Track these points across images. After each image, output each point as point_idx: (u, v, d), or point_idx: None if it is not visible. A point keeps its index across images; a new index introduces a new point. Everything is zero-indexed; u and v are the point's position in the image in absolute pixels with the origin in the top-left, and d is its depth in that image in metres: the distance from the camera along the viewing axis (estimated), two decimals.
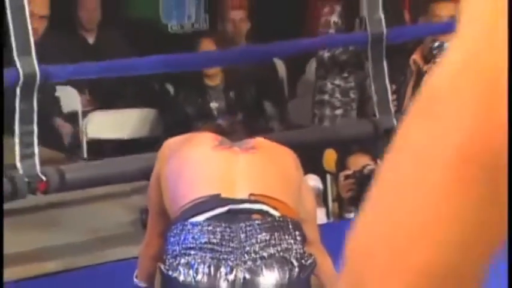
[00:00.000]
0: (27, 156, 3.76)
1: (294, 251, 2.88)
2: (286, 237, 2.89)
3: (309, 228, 3.07)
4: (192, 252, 2.84)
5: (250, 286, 2.83)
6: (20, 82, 3.75)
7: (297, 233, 2.92)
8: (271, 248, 2.86)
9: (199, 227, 2.87)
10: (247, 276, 2.82)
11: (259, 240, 2.86)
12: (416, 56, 4.66)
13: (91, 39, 6.40)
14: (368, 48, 4.52)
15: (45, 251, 4.06)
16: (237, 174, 3.01)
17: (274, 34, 5.42)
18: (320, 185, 4.76)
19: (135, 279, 3.17)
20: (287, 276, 2.84)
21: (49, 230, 4.21)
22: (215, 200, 2.92)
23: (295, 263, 2.86)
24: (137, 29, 6.71)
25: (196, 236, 2.85)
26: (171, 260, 2.85)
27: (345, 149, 4.57)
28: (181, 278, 2.81)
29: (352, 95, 5.18)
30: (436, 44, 4.62)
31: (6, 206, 3.94)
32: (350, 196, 4.53)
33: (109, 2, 6.52)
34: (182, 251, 2.84)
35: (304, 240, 2.93)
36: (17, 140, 3.76)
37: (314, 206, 3.24)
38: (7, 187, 3.73)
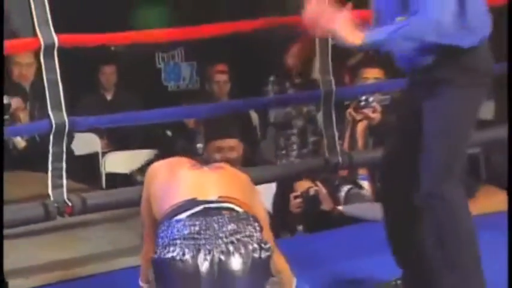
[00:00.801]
0: (57, 186, 3.72)
1: (255, 237, 2.92)
2: (249, 227, 2.93)
3: (263, 232, 3.12)
4: (178, 241, 2.86)
5: (224, 264, 2.85)
6: (53, 130, 3.71)
7: (256, 224, 2.96)
8: (238, 234, 2.89)
9: (182, 222, 2.90)
10: (222, 257, 2.85)
11: (228, 229, 2.90)
12: (350, 109, 4.67)
13: (109, 96, 6.41)
14: (321, 103, 4.43)
15: (72, 259, 4.03)
16: (208, 184, 3.06)
17: (248, 92, 5.43)
18: None
19: (139, 282, 3.17)
20: (251, 256, 2.87)
21: (74, 243, 4.19)
22: (192, 202, 2.96)
23: (257, 246, 2.89)
24: (144, 88, 6.72)
25: (180, 229, 2.89)
26: (161, 249, 2.88)
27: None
28: (171, 260, 2.84)
29: (295, 139, 5.23)
30: (363, 99, 4.64)
31: (42, 225, 3.92)
32: (299, 212, 4.53)
33: (123, 69, 6.53)
34: (170, 242, 2.87)
35: (261, 230, 2.97)
36: (49, 174, 3.73)
37: (266, 216, 3.24)
38: (41, 211, 3.69)
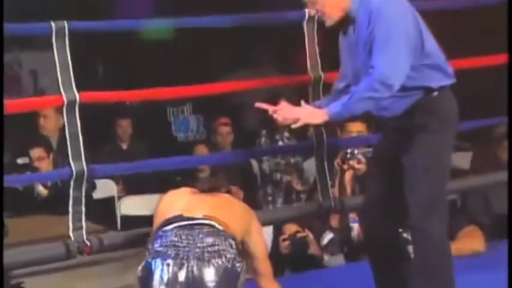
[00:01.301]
0: (77, 228, 3.72)
1: (229, 253, 2.99)
2: (225, 242, 3.01)
3: (260, 263, 3.25)
4: (163, 248, 2.99)
5: (199, 270, 2.94)
6: (73, 178, 3.72)
7: (233, 242, 3.04)
8: (215, 246, 2.98)
9: (169, 233, 3.03)
10: (198, 263, 2.95)
11: (206, 241, 3.00)
12: (338, 160, 4.69)
13: (124, 146, 6.43)
14: (314, 153, 4.40)
15: None
16: (198, 205, 3.18)
17: (249, 143, 5.47)
18: None
19: None
20: (223, 266, 2.96)
21: (93, 279, 4.21)
22: (179, 218, 3.08)
23: (230, 259, 2.98)
24: (156, 139, 6.74)
25: (166, 239, 3.02)
26: (149, 255, 3.02)
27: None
28: (156, 263, 2.97)
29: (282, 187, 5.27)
30: (349, 151, 4.66)
31: (63, 263, 3.91)
32: (287, 253, 4.54)
33: (137, 122, 6.56)
34: (157, 248, 3.00)
35: (237, 250, 3.05)
36: (70, 217, 3.73)
37: (264, 247, 3.30)
38: (62, 250, 3.70)
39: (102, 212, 5.47)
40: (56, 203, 4.92)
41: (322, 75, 4.11)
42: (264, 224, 4.48)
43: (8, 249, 3.64)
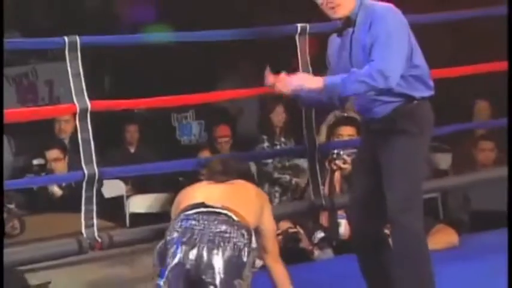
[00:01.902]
0: (89, 226, 3.73)
1: (239, 242, 3.03)
2: (237, 232, 3.05)
3: (268, 241, 3.29)
4: (182, 229, 3.06)
5: (208, 252, 2.99)
6: (85, 179, 3.73)
7: (245, 233, 3.07)
8: (226, 234, 3.03)
9: (190, 216, 3.09)
10: (209, 245, 3.00)
11: (220, 228, 3.05)
12: (328, 160, 4.70)
13: (132, 150, 6.43)
14: (307, 156, 4.41)
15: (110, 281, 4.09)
16: (216, 194, 3.22)
17: (247, 147, 5.48)
18: None
19: None
20: (231, 252, 3.00)
21: (105, 270, 4.20)
22: (201, 205, 3.14)
23: (239, 248, 3.01)
24: (161, 143, 6.74)
25: (186, 222, 3.08)
26: (170, 234, 3.07)
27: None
28: (173, 240, 3.04)
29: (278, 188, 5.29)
30: (336, 152, 4.67)
31: (76, 258, 3.90)
32: (280, 247, 4.52)
33: (144, 127, 6.56)
34: (177, 229, 3.07)
35: (249, 241, 3.07)
36: (82, 215, 3.74)
37: (273, 227, 3.34)
38: (75, 246, 3.71)
39: (112, 210, 5.47)
40: (69, 202, 4.93)
41: None
42: None
43: (25, 245, 3.65)
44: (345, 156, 4.65)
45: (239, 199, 3.20)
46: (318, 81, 3.16)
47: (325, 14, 3.30)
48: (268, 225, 3.30)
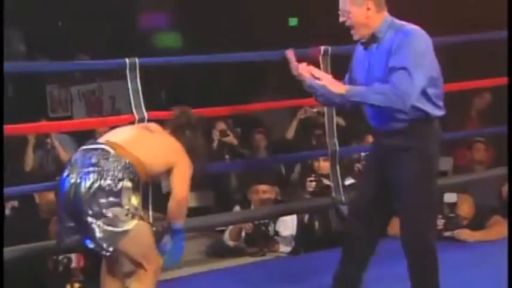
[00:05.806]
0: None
1: (111, 173, 2.88)
2: (110, 164, 2.91)
3: (171, 200, 3.07)
4: (68, 166, 2.97)
5: (78, 185, 2.88)
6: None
7: (121, 165, 2.90)
8: (96, 167, 2.90)
9: (77, 153, 3.00)
10: (78, 179, 2.88)
11: (91, 161, 2.91)
12: (355, 162, 4.63)
13: None
14: (329, 159, 4.38)
15: None
16: (121, 136, 3.06)
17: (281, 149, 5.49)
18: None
19: None
20: (99, 183, 2.86)
21: None
22: (92, 142, 3.04)
23: (108, 178, 2.87)
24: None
25: (73, 158, 2.99)
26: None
27: None
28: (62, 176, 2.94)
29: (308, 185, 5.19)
30: (363, 154, 4.62)
31: None
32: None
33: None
34: (67, 165, 2.99)
35: (126, 172, 2.89)
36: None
37: (180, 190, 3.06)
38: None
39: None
40: None
41: None
42: (292, 212, 4.56)
43: None
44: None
45: (142, 144, 2.99)
46: (341, 89, 3.00)
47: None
48: (174, 185, 3.02)
